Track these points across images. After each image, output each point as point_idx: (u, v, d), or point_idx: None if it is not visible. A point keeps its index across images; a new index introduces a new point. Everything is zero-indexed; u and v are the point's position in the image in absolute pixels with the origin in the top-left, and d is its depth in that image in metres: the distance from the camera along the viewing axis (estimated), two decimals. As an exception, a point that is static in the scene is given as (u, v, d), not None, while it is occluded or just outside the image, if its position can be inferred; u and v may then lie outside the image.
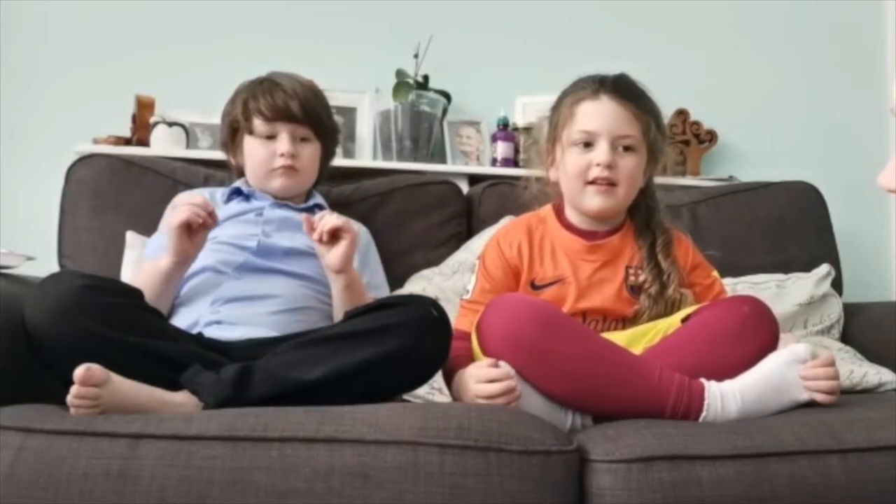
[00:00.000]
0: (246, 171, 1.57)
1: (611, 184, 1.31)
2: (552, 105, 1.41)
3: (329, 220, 1.32)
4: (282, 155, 1.49)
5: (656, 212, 1.40)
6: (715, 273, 1.40)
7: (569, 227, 1.39)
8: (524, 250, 1.36)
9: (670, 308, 1.30)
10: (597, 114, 1.32)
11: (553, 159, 1.39)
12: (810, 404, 1.13)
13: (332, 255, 1.34)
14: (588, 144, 1.32)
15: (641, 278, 1.33)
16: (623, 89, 1.33)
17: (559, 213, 1.41)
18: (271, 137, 1.51)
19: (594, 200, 1.32)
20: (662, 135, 1.39)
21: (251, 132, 1.52)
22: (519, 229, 1.40)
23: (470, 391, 1.12)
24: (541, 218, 1.42)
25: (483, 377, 1.11)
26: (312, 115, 1.53)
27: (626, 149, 1.32)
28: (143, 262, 1.49)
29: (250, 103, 1.51)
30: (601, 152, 1.30)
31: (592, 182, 1.31)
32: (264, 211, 1.51)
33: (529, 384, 1.12)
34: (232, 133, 1.56)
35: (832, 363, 1.14)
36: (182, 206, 1.31)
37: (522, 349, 1.11)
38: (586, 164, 1.31)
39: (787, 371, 1.12)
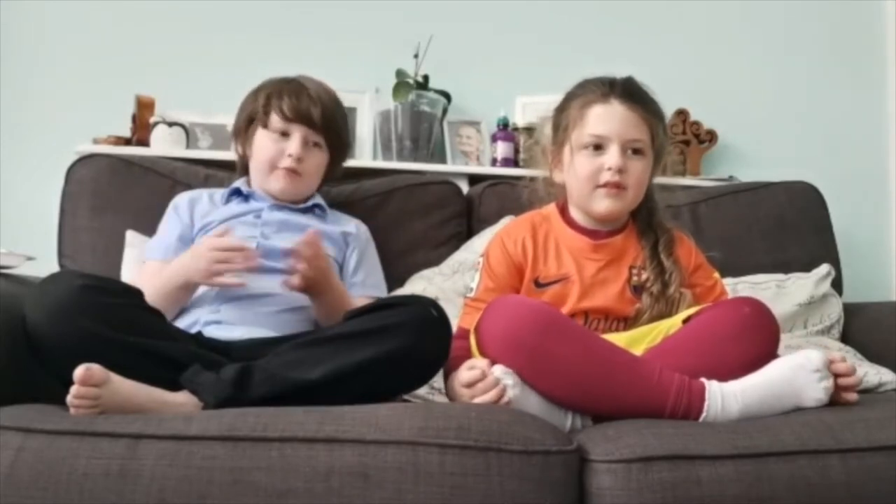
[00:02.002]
0: (250, 164, 1.57)
1: (620, 187, 1.31)
2: (557, 106, 1.41)
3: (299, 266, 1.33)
4: (289, 155, 1.50)
5: (657, 211, 1.41)
6: (716, 274, 1.40)
7: (573, 225, 1.39)
8: (528, 248, 1.36)
9: (671, 307, 1.30)
10: (607, 117, 1.32)
11: (559, 161, 1.39)
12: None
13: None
14: (598, 147, 1.32)
15: (644, 277, 1.33)
16: (632, 93, 1.33)
17: (563, 211, 1.41)
18: (284, 135, 1.51)
19: (603, 203, 1.33)
20: (667, 139, 1.40)
21: (266, 126, 1.52)
22: (523, 227, 1.40)
23: (464, 396, 1.13)
24: (544, 216, 1.42)
25: (464, 381, 1.12)
26: (330, 124, 1.54)
27: (636, 152, 1.32)
28: (144, 263, 1.49)
29: (273, 99, 1.52)
30: (612, 156, 1.30)
31: (602, 185, 1.32)
32: (262, 213, 1.51)
33: (529, 386, 1.12)
34: (247, 123, 1.56)
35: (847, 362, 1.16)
36: (221, 264, 1.31)
37: (523, 351, 1.11)
38: (597, 167, 1.31)
39: (795, 377, 1.11)
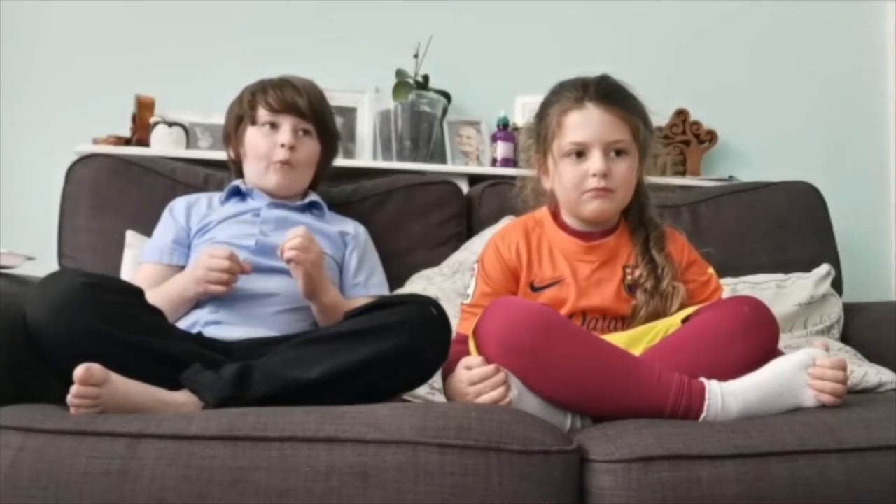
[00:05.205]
0: (245, 163, 1.58)
1: (608, 190, 1.31)
2: (536, 114, 1.40)
3: (287, 246, 1.33)
4: (282, 145, 1.50)
5: (647, 207, 1.41)
6: (710, 270, 1.40)
7: (565, 228, 1.39)
8: (522, 252, 1.36)
9: (665, 302, 1.30)
10: (585, 123, 1.30)
11: (545, 169, 1.38)
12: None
13: (298, 284, 1.37)
14: (580, 154, 1.31)
15: (637, 274, 1.33)
16: (606, 94, 1.32)
17: (555, 214, 1.41)
18: (274, 127, 1.52)
19: (592, 205, 1.32)
20: (651, 131, 1.38)
21: (254, 122, 1.53)
22: (516, 231, 1.40)
23: (468, 395, 1.12)
24: (537, 220, 1.42)
25: (476, 377, 1.11)
26: (318, 112, 1.55)
27: (619, 152, 1.31)
28: (141, 265, 1.50)
29: (258, 95, 1.53)
30: (595, 162, 1.30)
31: (589, 191, 1.31)
32: (261, 211, 1.52)
33: (528, 387, 1.12)
34: (236, 124, 1.57)
35: (842, 367, 1.13)
36: (215, 275, 1.33)
37: (521, 354, 1.10)
38: (582, 174, 1.31)
39: (796, 376, 1.11)
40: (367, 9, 2.19)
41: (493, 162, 2.09)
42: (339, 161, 1.72)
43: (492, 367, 1.11)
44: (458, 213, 1.82)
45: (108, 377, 1.02)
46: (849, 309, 1.76)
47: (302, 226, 1.39)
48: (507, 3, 2.24)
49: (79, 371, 0.99)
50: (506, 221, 1.70)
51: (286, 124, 1.51)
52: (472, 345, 1.19)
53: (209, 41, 2.14)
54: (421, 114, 2.02)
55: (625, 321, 1.32)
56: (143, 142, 1.93)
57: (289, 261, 1.34)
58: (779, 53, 2.33)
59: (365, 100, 2.11)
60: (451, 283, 1.65)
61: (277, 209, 1.53)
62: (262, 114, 1.52)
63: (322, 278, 1.39)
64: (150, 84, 2.01)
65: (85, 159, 1.73)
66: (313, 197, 1.60)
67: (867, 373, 1.53)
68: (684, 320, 1.23)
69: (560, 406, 1.13)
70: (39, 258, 1.41)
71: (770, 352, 1.16)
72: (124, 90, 1.99)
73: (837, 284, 1.80)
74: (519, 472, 0.92)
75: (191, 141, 1.97)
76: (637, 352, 1.20)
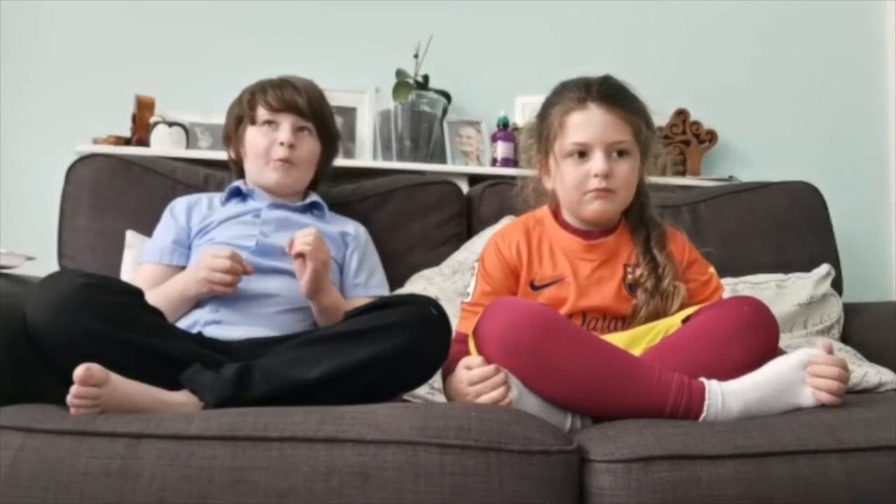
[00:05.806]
0: (245, 163, 1.58)
1: (609, 191, 1.31)
2: (538, 114, 1.40)
3: (298, 241, 1.34)
4: (281, 144, 1.50)
5: (648, 206, 1.41)
6: (711, 269, 1.40)
7: (566, 227, 1.39)
8: (523, 251, 1.36)
9: (666, 301, 1.30)
10: (587, 124, 1.30)
11: (547, 169, 1.38)
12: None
13: (301, 282, 1.36)
14: (582, 154, 1.31)
15: (638, 273, 1.33)
16: (609, 94, 1.31)
17: (556, 213, 1.41)
18: (273, 125, 1.52)
19: (593, 206, 1.32)
20: (652, 132, 1.38)
21: (254, 121, 1.53)
22: (517, 230, 1.40)
23: (468, 395, 1.12)
24: (538, 219, 1.42)
25: (476, 377, 1.11)
26: (318, 111, 1.55)
27: (621, 153, 1.31)
28: (141, 265, 1.50)
29: (258, 94, 1.54)
30: (597, 162, 1.30)
31: (591, 191, 1.31)
32: (261, 212, 1.52)
33: (528, 387, 1.12)
34: (236, 124, 1.58)
35: (841, 365, 1.13)
36: (218, 276, 1.33)
37: (520, 354, 1.10)
38: (583, 175, 1.31)
39: (794, 374, 1.11)
40: (367, 9, 2.19)
41: (493, 162, 2.09)
42: (339, 161, 1.73)
43: (492, 367, 1.11)
44: (458, 213, 1.82)
45: (108, 377, 1.02)
46: (849, 309, 1.76)
47: (313, 227, 1.39)
48: (507, 3, 2.24)
49: (79, 371, 0.99)
50: (506, 221, 1.70)
51: (285, 123, 1.52)
52: (472, 345, 1.19)
53: (209, 41, 2.14)
54: (421, 114, 2.03)
55: (625, 321, 1.32)
56: (143, 142, 1.93)
57: (299, 255, 1.34)
58: (779, 53, 2.33)
59: (365, 100, 2.11)
60: (451, 283, 1.65)
61: (278, 210, 1.53)
62: (262, 113, 1.52)
63: (326, 279, 1.39)
64: (150, 84, 2.01)
65: (85, 159, 1.73)
66: (314, 197, 1.60)
67: (867, 373, 1.53)
68: (684, 320, 1.23)
69: (560, 406, 1.13)
70: (39, 258, 1.42)
71: (770, 352, 1.16)
72: (124, 90, 1.99)
73: (837, 284, 1.80)
74: (519, 472, 0.92)
75: (191, 141, 1.97)
76: (637, 352, 1.20)
